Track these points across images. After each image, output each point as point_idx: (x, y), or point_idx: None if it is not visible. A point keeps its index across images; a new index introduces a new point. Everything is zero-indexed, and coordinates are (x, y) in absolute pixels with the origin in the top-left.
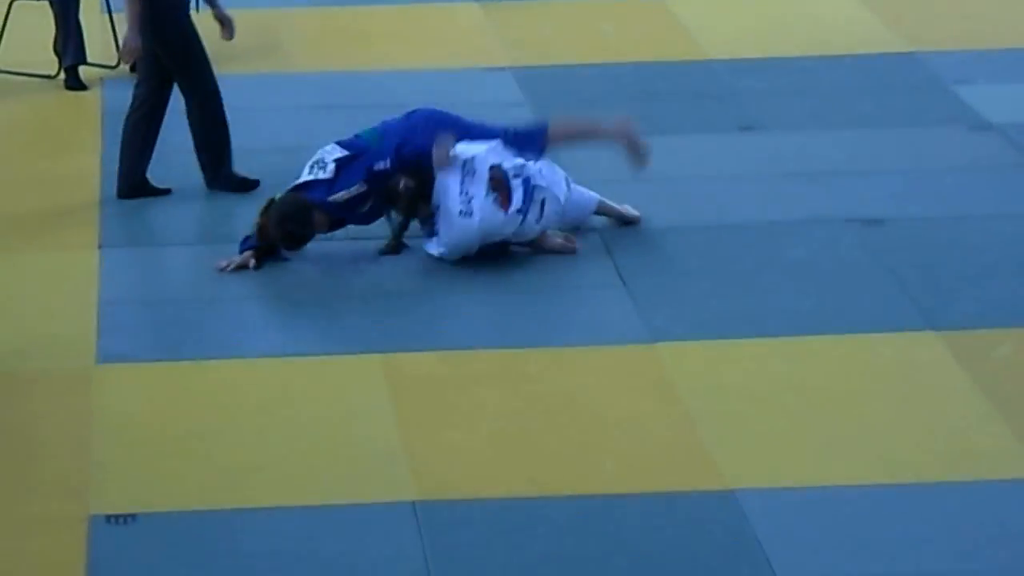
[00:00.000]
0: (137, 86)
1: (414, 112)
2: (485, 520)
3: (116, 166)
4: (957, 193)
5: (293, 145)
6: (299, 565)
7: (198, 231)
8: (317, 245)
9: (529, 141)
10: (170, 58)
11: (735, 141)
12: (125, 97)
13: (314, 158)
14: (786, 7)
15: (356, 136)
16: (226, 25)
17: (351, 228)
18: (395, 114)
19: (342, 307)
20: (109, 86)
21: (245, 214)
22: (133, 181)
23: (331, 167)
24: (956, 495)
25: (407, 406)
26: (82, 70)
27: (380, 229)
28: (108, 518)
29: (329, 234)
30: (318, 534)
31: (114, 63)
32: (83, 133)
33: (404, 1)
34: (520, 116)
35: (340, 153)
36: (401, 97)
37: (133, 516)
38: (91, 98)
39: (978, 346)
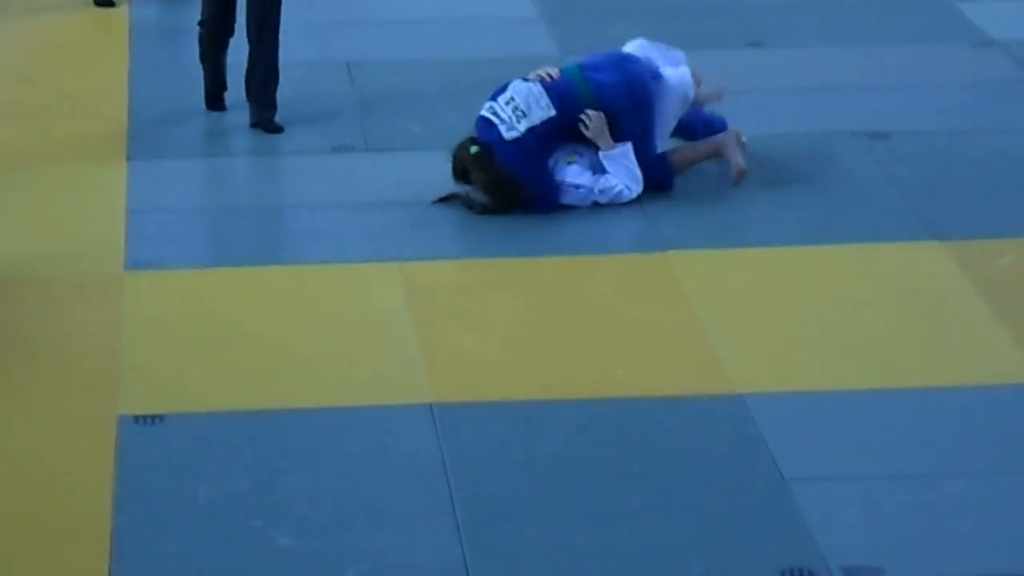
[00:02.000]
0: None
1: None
2: (499, 422)
3: (148, 81)
4: (961, 108)
5: (314, 59)
6: (322, 464)
7: (224, 144)
8: (337, 156)
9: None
10: None
11: (743, 56)
12: (153, 14)
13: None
14: None
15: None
16: None
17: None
18: (423, 31)
19: (361, 216)
20: (137, 4)
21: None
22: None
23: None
24: (958, 399)
25: (424, 312)
26: None
27: (402, 139)
28: (136, 418)
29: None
30: (339, 434)
31: None
32: (112, 49)
33: None
34: (536, 33)
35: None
36: (417, 13)
37: (161, 416)
38: (119, 15)
39: (981, 255)
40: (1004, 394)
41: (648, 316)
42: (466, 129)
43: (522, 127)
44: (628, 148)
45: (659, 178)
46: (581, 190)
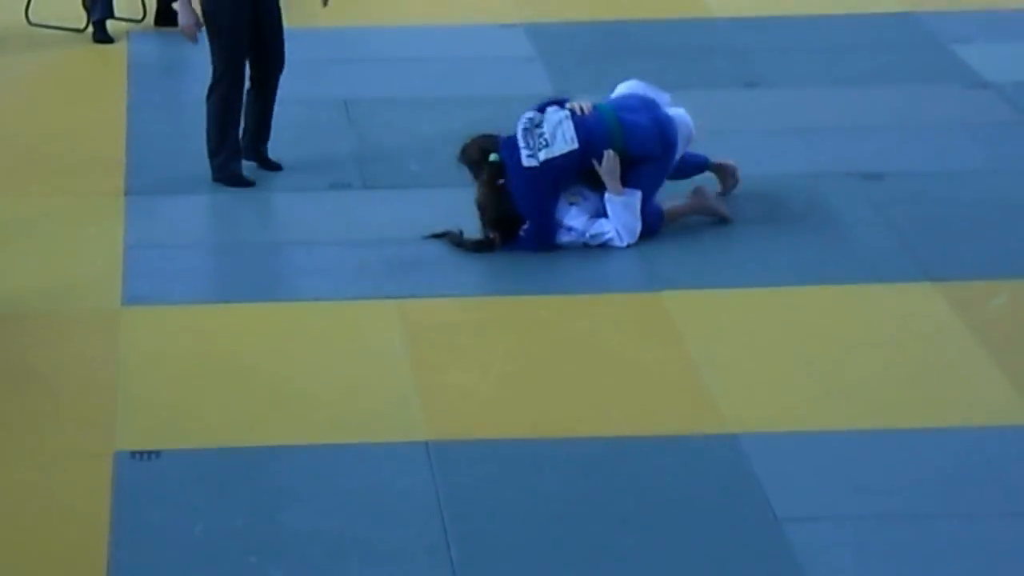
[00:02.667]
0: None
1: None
2: (494, 460)
3: (146, 116)
4: (954, 149)
5: (312, 97)
6: (317, 501)
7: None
8: (335, 192)
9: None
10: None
11: (739, 97)
12: (151, 50)
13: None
14: None
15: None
16: None
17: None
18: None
19: (359, 254)
20: (135, 39)
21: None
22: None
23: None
24: (952, 440)
25: (421, 350)
26: (109, 24)
27: (400, 176)
28: (133, 454)
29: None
30: (335, 471)
31: (140, 17)
32: (110, 85)
33: None
34: (533, 71)
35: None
36: (416, 51)
37: (157, 452)
38: (118, 51)
39: (975, 296)
40: (997, 435)
41: (643, 356)
42: (463, 166)
43: (541, 156)
44: (636, 198)
45: (652, 226)
46: (573, 232)
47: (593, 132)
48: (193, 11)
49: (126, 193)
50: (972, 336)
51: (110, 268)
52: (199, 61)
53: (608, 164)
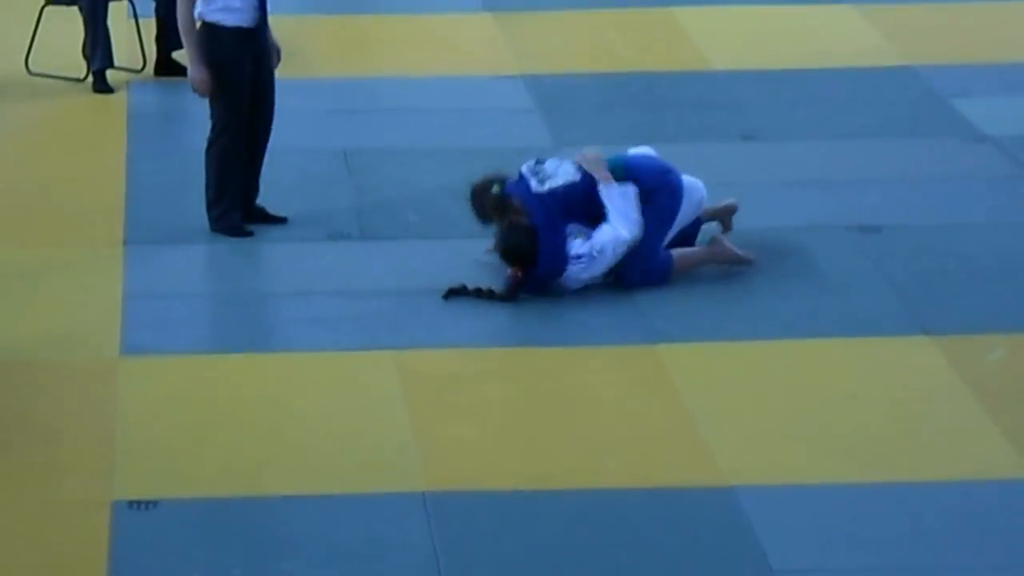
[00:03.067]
0: None
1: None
2: (491, 511)
3: (145, 166)
4: (952, 202)
5: (311, 148)
6: (314, 552)
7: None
8: (332, 244)
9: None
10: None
11: (737, 149)
12: (150, 100)
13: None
14: (789, 20)
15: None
16: (274, 54)
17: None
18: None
19: (357, 305)
20: (135, 89)
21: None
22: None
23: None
24: (948, 494)
25: (418, 400)
26: (109, 74)
27: (398, 227)
28: (130, 504)
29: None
30: (332, 522)
31: (140, 67)
32: (110, 134)
33: (418, 10)
34: (531, 123)
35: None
36: (416, 102)
37: (155, 502)
38: (118, 101)
39: (971, 350)
40: (994, 489)
41: (639, 408)
42: (463, 218)
43: (545, 187)
44: (630, 189)
45: (662, 272)
46: (583, 259)
47: None
48: (204, 66)
49: (125, 243)
50: (969, 390)
51: (109, 318)
52: (199, 111)
53: (591, 156)
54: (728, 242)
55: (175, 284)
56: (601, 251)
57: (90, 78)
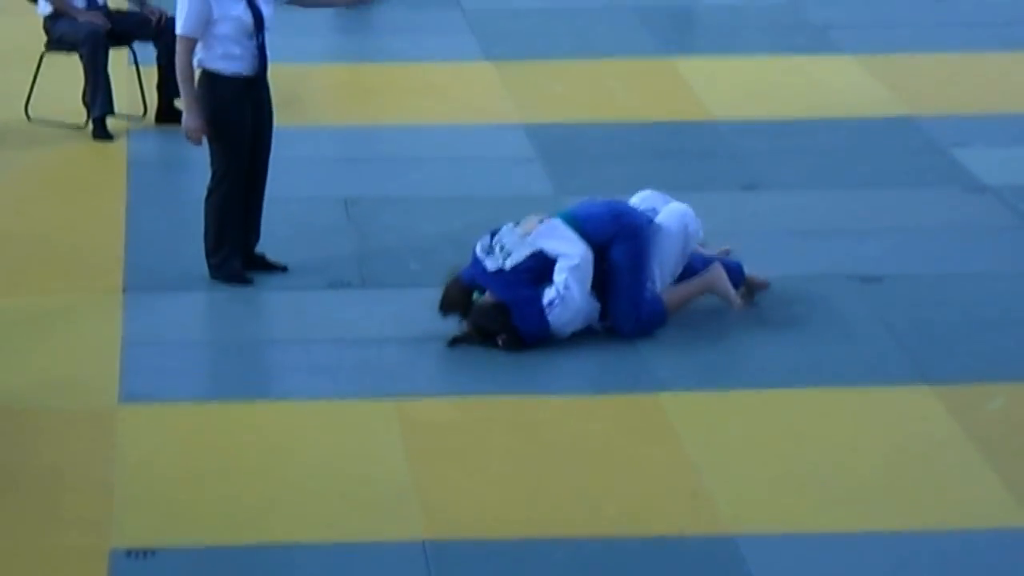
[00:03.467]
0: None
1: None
2: (492, 560)
3: (145, 213)
4: (952, 252)
5: (312, 196)
6: None
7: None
8: (333, 292)
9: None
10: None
11: (739, 199)
12: (151, 148)
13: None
14: (789, 71)
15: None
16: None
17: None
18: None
19: (358, 353)
20: (135, 137)
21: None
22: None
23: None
24: (947, 543)
25: (418, 449)
26: (109, 121)
27: (399, 276)
28: (128, 552)
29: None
30: (333, 571)
31: (140, 114)
32: (110, 181)
33: (420, 59)
34: (532, 172)
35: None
36: (417, 151)
37: (153, 551)
38: (117, 148)
39: (970, 399)
40: (994, 538)
41: (640, 456)
42: (463, 265)
43: (508, 264)
44: (554, 220)
45: (654, 316)
46: (554, 303)
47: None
48: (200, 114)
49: (125, 290)
50: (969, 439)
51: (108, 365)
52: (199, 159)
53: (530, 221)
54: (722, 275)
55: (174, 331)
56: (567, 287)
57: (90, 125)
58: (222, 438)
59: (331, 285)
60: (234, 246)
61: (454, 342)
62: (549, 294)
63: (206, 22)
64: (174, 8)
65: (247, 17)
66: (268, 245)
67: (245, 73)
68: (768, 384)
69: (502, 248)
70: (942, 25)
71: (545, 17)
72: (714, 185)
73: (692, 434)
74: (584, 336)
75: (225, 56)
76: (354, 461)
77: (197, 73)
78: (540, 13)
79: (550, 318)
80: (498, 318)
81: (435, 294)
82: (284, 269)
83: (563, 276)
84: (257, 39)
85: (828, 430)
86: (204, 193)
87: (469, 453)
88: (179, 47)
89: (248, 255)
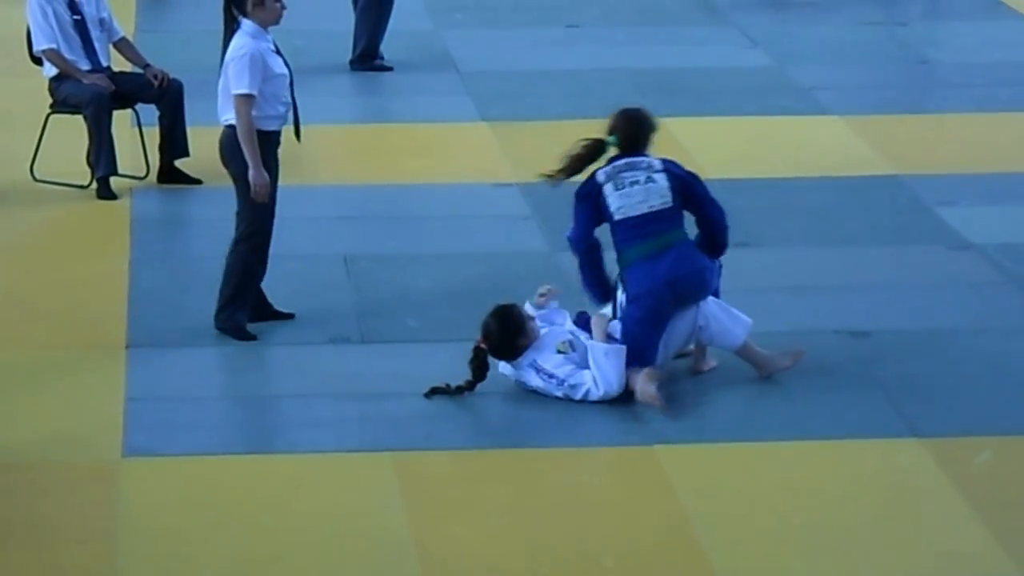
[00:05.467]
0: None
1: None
2: None
3: (147, 271)
4: (939, 308)
5: (312, 253)
6: None
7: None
8: (333, 347)
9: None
10: (236, 185)
11: (730, 256)
12: (153, 207)
13: None
14: (779, 131)
15: None
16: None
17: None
18: (419, 226)
19: (357, 407)
20: (138, 196)
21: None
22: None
23: None
24: None
25: (416, 501)
26: (113, 180)
27: (398, 332)
28: None
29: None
30: None
31: (143, 174)
32: (113, 240)
33: (418, 120)
34: (527, 229)
35: None
36: (415, 209)
37: None
38: (121, 207)
39: (959, 452)
40: None
41: (635, 509)
42: (460, 322)
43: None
44: (621, 350)
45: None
46: (553, 380)
47: None
48: (263, 170)
49: (127, 346)
50: (957, 492)
51: (111, 420)
52: (201, 218)
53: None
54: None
55: (176, 387)
56: (572, 388)
57: (94, 185)
58: (224, 492)
59: (331, 340)
60: (246, 301)
61: (432, 393)
62: (560, 367)
63: (262, 79)
64: (176, 70)
65: (287, 73)
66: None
67: (277, 129)
68: (761, 437)
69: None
70: (926, 86)
71: (539, 79)
72: None
73: (687, 487)
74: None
75: (270, 114)
76: (354, 514)
77: (232, 131)
78: (535, 75)
79: (536, 375)
80: (504, 316)
81: (433, 349)
82: (291, 316)
83: (581, 385)
84: (291, 95)
85: (820, 483)
86: (227, 248)
87: (467, 506)
88: (242, 106)
89: (259, 302)
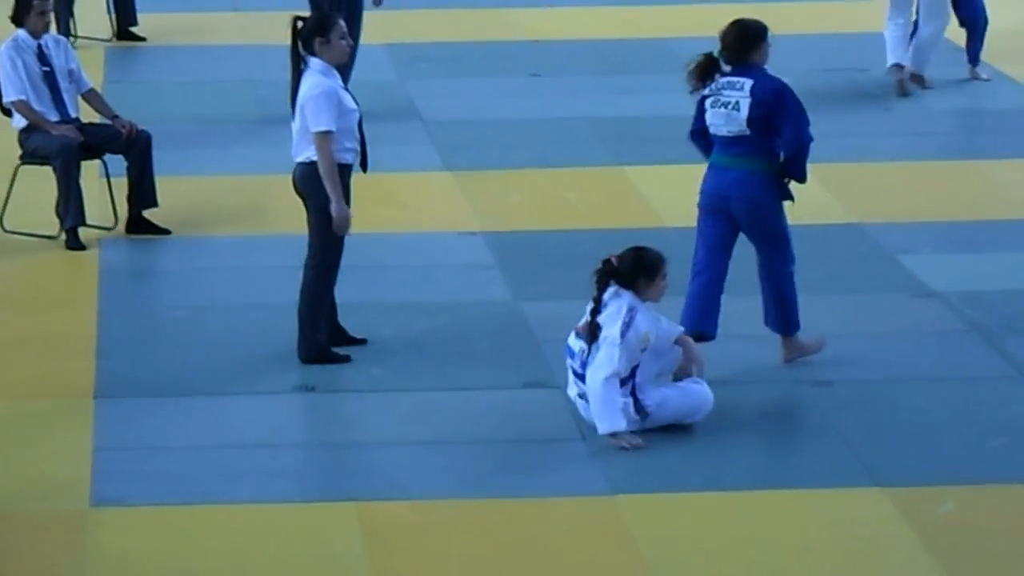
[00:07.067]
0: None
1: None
2: None
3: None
4: (901, 357)
5: (276, 302)
6: None
7: (187, 384)
8: (297, 396)
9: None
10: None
11: None
12: (122, 258)
13: None
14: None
15: None
16: None
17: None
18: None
19: (321, 456)
20: (107, 247)
21: (228, 368)
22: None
23: None
24: None
25: (379, 552)
26: (81, 231)
27: (362, 379)
28: None
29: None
30: None
31: (111, 225)
32: (81, 290)
33: (381, 170)
34: (491, 278)
35: None
36: (378, 258)
37: None
38: (89, 258)
39: (921, 502)
40: None
41: (597, 559)
42: (425, 371)
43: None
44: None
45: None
46: (616, 343)
47: None
48: (345, 205)
49: (95, 396)
50: (920, 542)
51: (79, 470)
52: (169, 268)
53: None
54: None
55: (144, 436)
56: (606, 360)
57: (63, 236)
58: (190, 541)
59: (295, 389)
60: (318, 326)
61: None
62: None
63: (339, 115)
64: (144, 121)
65: (357, 109)
66: (234, 353)
67: (353, 162)
68: (723, 487)
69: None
70: (887, 134)
71: (502, 128)
72: (667, 291)
73: (649, 536)
74: (540, 440)
75: (346, 147)
76: (317, 564)
77: (311, 168)
78: (497, 124)
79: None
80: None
81: (396, 398)
82: (364, 342)
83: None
84: (361, 131)
85: (782, 532)
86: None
87: (429, 556)
88: (323, 143)
89: (333, 328)
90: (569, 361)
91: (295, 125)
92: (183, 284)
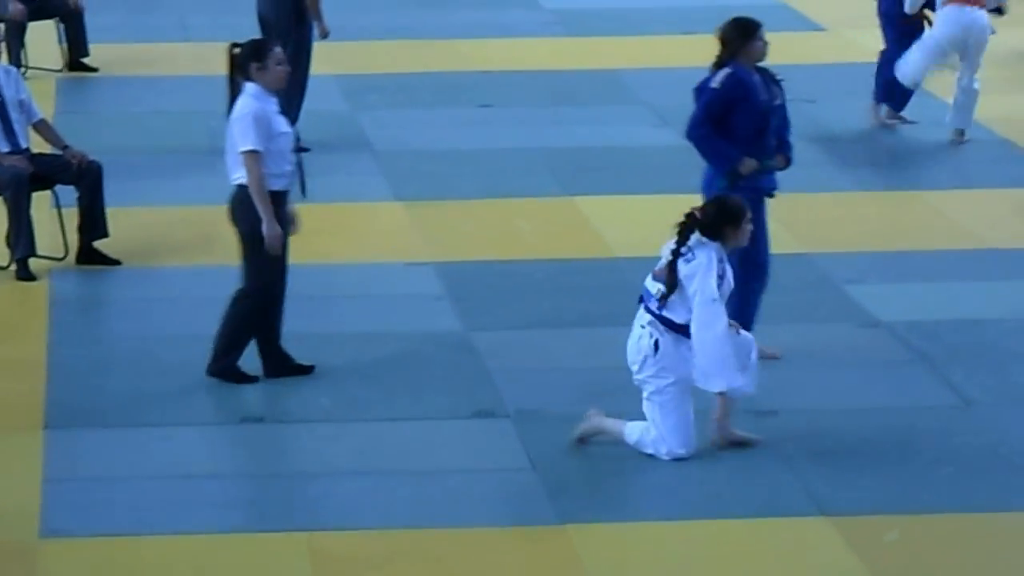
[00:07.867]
0: None
1: None
2: None
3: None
4: (847, 386)
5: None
6: None
7: (138, 415)
8: (246, 427)
9: None
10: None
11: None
12: (72, 288)
13: None
14: (686, 209)
15: None
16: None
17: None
18: (332, 306)
19: (269, 486)
20: (57, 277)
21: (178, 398)
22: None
23: None
24: None
25: None
26: (32, 261)
27: (311, 410)
28: None
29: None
30: None
31: (62, 255)
32: (32, 321)
33: (331, 199)
34: (440, 309)
35: None
36: (328, 289)
37: None
38: (39, 288)
39: (868, 531)
40: None
41: None
42: (375, 401)
43: None
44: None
45: None
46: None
47: None
48: (277, 224)
49: (45, 427)
50: (866, 570)
51: (28, 501)
52: (120, 298)
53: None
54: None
55: (94, 467)
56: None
57: (13, 266)
58: (140, 572)
59: (244, 420)
60: (240, 352)
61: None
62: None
63: (267, 137)
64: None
65: (291, 132)
66: (183, 384)
67: (284, 188)
68: (672, 516)
69: None
70: (834, 165)
71: (454, 159)
72: (616, 321)
73: (598, 566)
74: (491, 470)
75: (275, 172)
76: None
77: (242, 190)
78: (449, 155)
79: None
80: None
81: (345, 428)
82: (311, 369)
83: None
84: (296, 156)
85: (729, 561)
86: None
87: None
88: (251, 163)
89: (277, 355)
90: (644, 303)
91: (227, 146)
92: (133, 314)
